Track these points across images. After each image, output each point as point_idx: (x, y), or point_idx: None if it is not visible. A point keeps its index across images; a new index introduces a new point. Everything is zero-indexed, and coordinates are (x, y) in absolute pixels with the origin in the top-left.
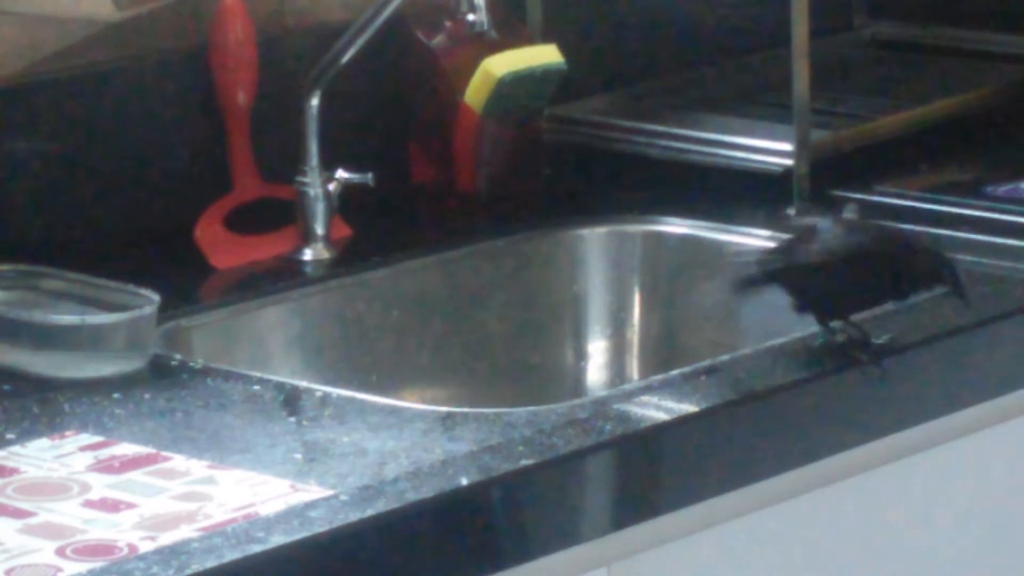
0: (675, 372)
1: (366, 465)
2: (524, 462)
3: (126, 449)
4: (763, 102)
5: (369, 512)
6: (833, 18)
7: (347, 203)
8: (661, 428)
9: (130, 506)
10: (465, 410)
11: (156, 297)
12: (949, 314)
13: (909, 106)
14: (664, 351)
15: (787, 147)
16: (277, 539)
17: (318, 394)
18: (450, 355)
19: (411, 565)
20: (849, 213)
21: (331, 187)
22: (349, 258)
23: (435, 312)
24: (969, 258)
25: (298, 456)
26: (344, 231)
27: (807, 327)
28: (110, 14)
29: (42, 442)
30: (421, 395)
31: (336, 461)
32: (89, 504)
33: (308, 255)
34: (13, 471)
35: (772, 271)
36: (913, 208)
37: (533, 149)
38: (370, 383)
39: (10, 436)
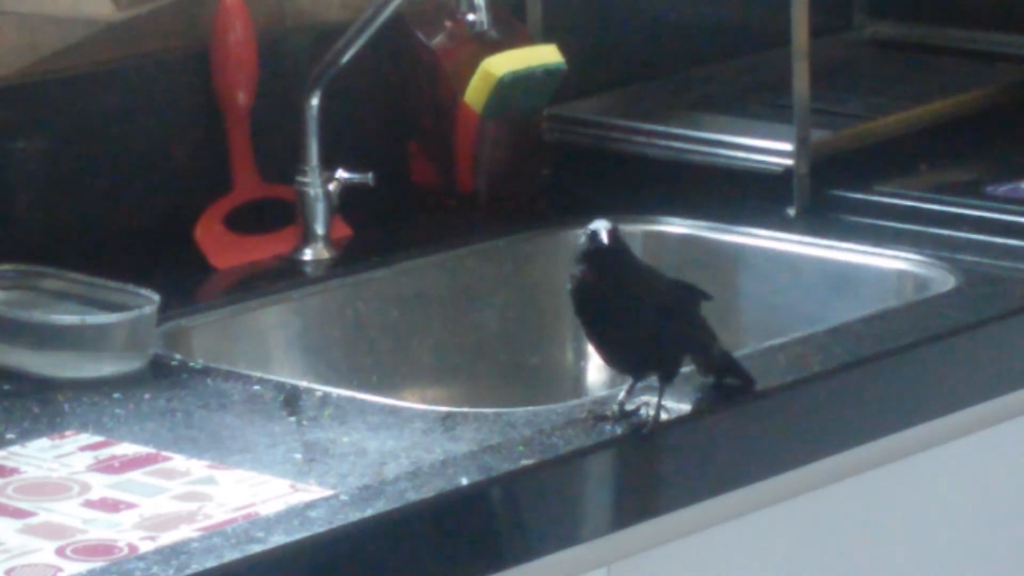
0: None
1: (366, 465)
2: (524, 462)
3: (126, 449)
4: (763, 102)
5: (369, 512)
6: (833, 18)
7: (347, 203)
8: (661, 428)
9: (130, 506)
10: (465, 410)
11: (156, 297)
12: (949, 314)
13: (909, 106)
14: None
15: (787, 147)
16: (277, 539)
17: (318, 394)
18: (450, 355)
19: (411, 565)
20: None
21: (331, 187)
22: (349, 258)
23: (435, 312)
24: (969, 258)
25: (298, 456)
26: (344, 231)
27: (807, 327)
28: (110, 14)
29: (42, 442)
30: (421, 395)
31: (336, 461)
32: (89, 504)
33: (308, 255)
34: (13, 471)
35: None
36: (913, 208)
37: (533, 149)
38: (370, 383)
39: (10, 436)
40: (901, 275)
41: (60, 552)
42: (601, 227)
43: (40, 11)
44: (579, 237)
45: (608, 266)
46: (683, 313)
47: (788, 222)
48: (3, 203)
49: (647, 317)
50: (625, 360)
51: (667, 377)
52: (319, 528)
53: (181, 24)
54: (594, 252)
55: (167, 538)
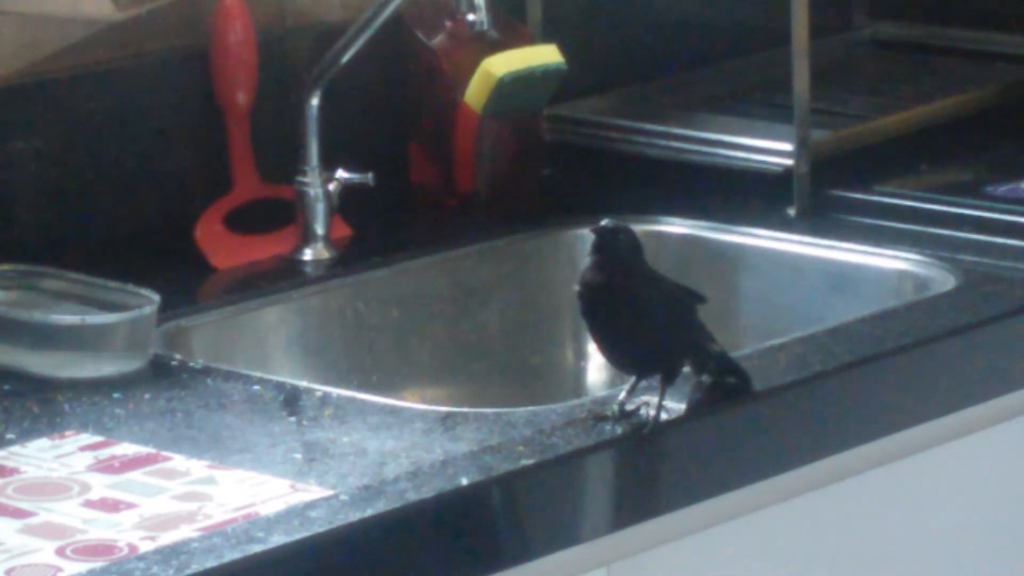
0: None
1: (366, 465)
2: (524, 462)
3: (126, 449)
4: (763, 102)
5: (369, 512)
6: (833, 18)
7: (347, 203)
8: (661, 428)
9: (130, 506)
10: (465, 410)
11: (156, 297)
12: (949, 314)
13: (909, 106)
14: None
15: (787, 147)
16: (277, 539)
17: (318, 394)
18: (450, 355)
19: (411, 565)
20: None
21: (331, 187)
22: (349, 258)
23: (435, 312)
24: (969, 258)
25: (298, 456)
26: (344, 231)
27: (807, 327)
28: (110, 14)
29: (42, 442)
30: (421, 395)
31: (336, 461)
32: (89, 504)
33: (308, 255)
34: (13, 471)
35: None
36: (913, 208)
37: (533, 149)
38: (370, 383)
39: (10, 436)
40: (901, 275)
41: (60, 552)
42: (610, 229)
43: (40, 11)
44: (588, 238)
45: (615, 268)
46: (686, 315)
47: (788, 222)
48: (3, 203)
49: (653, 319)
50: (630, 361)
51: (670, 377)
52: (319, 528)
53: (181, 24)
54: (602, 254)
55: (167, 538)
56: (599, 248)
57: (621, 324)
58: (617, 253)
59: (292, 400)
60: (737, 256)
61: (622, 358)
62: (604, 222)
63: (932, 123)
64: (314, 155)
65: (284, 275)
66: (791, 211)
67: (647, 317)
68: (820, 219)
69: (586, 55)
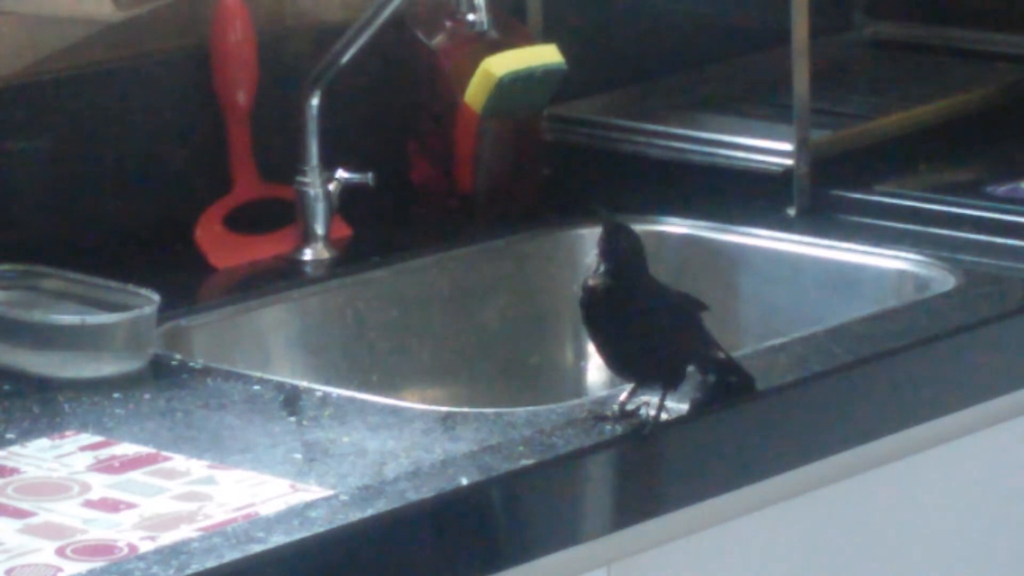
0: None
1: (366, 465)
2: (524, 462)
3: (126, 449)
4: (763, 102)
5: (369, 512)
6: (833, 18)
7: (347, 203)
8: (661, 428)
9: (130, 506)
10: (465, 410)
11: (156, 297)
12: (949, 314)
13: (909, 106)
14: None
15: (787, 147)
16: (277, 539)
17: (318, 394)
18: (450, 355)
19: (411, 565)
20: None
21: (331, 187)
22: (349, 258)
23: (435, 312)
24: (969, 258)
25: (298, 456)
26: (344, 231)
27: (807, 327)
28: (110, 14)
29: (42, 442)
30: (421, 395)
31: (336, 461)
32: (89, 504)
33: (308, 255)
34: (13, 471)
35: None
36: (913, 208)
37: (533, 149)
38: (370, 383)
39: (10, 436)
40: (901, 275)
41: (60, 552)
42: (616, 230)
43: (40, 11)
44: (588, 238)
45: (618, 276)
46: (688, 324)
47: (788, 222)
48: (3, 203)
49: (655, 328)
50: (631, 369)
51: (672, 386)
52: (319, 528)
53: (181, 24)
54: (606, 259)
55: (167, 538)
56: (603, 252)
57: (623, 333)
58: (620, 259)
59: (292, 400)
60: (737, 256)
61: (624, 367)
62: (609, 216)
63: (932, 123)
64: (314, 155)
65: (284, 275)
66: (791, 211)
67: (649, 326)
68: (820, 219)
69: (586, 55)
